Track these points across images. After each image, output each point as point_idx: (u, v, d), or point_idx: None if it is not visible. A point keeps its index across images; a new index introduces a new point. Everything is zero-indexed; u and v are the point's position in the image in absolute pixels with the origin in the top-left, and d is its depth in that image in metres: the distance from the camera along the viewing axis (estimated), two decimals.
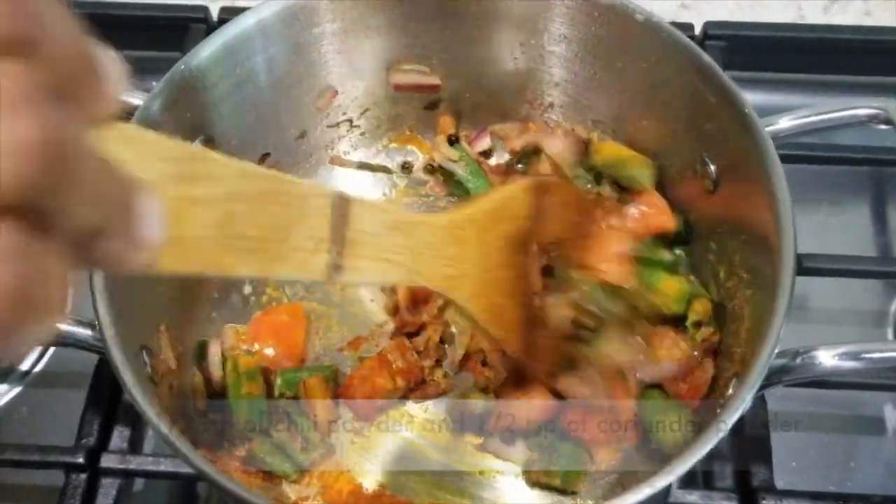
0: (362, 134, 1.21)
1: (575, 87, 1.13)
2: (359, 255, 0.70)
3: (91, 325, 0.90)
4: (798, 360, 0.85)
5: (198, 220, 0.54)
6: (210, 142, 1.05)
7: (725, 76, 0.96)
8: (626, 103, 1.10)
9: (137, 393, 0.81)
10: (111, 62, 0.43)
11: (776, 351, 0.82)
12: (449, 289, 0.85)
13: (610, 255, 1.02)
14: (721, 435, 0.78)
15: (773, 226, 0.88)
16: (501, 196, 0.94)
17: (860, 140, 1.26)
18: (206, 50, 1.00)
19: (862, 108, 0.98)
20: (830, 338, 0.89)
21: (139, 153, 0.49)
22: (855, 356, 0.86)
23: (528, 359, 0.97)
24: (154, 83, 0.99)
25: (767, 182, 0.89)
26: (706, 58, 0.97)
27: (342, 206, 0.67)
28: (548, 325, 0.99)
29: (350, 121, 1.19)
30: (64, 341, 0.92)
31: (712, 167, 1.01)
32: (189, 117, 1.01)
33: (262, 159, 1.13)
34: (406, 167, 1.22)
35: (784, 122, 0.99)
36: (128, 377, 0.82)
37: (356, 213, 0.68)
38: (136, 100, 0.99)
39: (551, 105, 1.17)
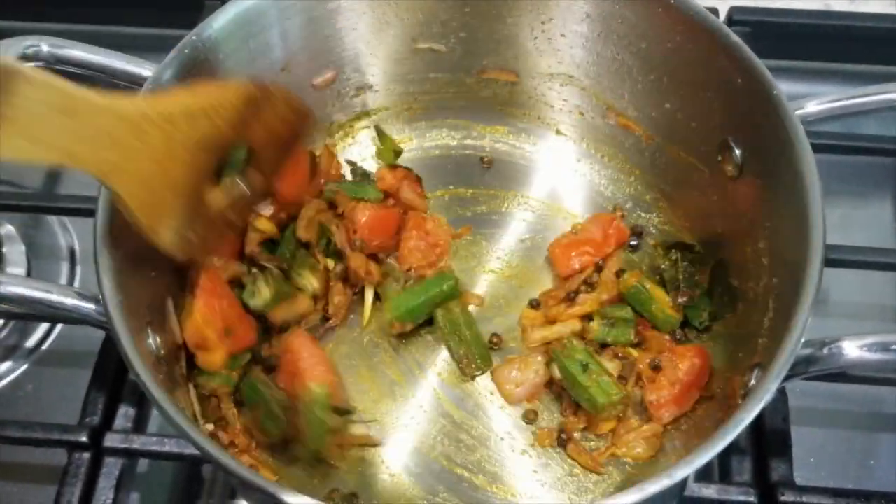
0: (377, 111, 1.19)
1: (597, 68, 1.10)
2: (8, 133, 0.66)
3: (95, 300, 0.88)
4: (824, 351, 0.83)
5: None
6: None
7: (754, 57, 0.93)
8: (650, 85, 1.07)
9: (141, 369, 0.79)
10: None
11: (802, 341, 0.80)
12: (106, 175, 0.80)
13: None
14: (743, 426, 0.76)
15: (802, 212, 0.85)
16: (207, 98, 0.87)
17: (885, 130, 1.24)
18: (219, 21, 0.98)
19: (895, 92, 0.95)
20: (851, 331, 0.87)
21: None
22: (882, 348, 0.84)
23: (178, 251, 0.91)
24: None
25: (796, 167, 0.87)
26: (734, 37, 0.95)
27: (2, 78, 0.63)
28: (217, 223, 0.95)
29: (364, 99, 1.18)
30: (69, 316, 0.90)
31: (737, 151, 0.98)
32: None
33: None
34: None
35: (812, 107, 0.96)
36: (131, 352, 0.80)
37: (19, 88, 0.64)
38: (146, 71, 0.97)
39: (572, 87, 1.15)
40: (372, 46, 1.12)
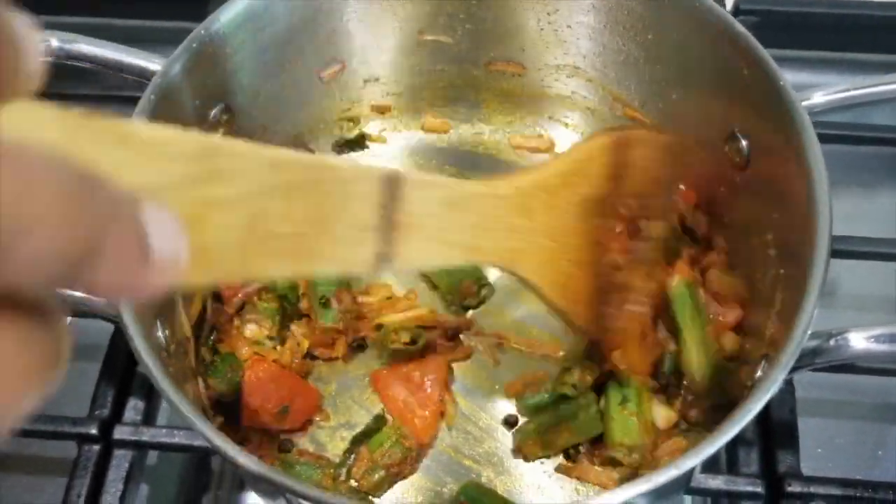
0: (385, 106, 1.20)
1: (603, 59, 1.10)
2: (411, 239, 0.63)
3: None
4: (831, 342, 0.83)
5: (221, 225, 0.46)
6: (229, 111, 1.03)
7: (760, 47, 0.93)
8: (656, 76, 1.06)
9: (151, 362, 0.79)
10: (25, 29, 0.36)
11: (809, 332, 0.79)
12: (512, 263, 0.79)
13: None
14: (750, 417, 0.76)
15: (808, 203, 0.85)
16: (575, 158, 0.86)
17: (894, 120, 1.23)
18: (227, 14, 0.98)
19: None
20: (858, 322, 0.86)
21: (141, 153, 0.41)
22: (890, 339, 0.83)
23: (597, 333, 0.91)
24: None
25: (802, 158, 0.86)
26: (739, 27, 0.94)
27: (392, 186, 0.59)
28: (627, 294, 0.91)
29: (371, 94, 1.18)
30: (78, 309, 0.90)
31: (744, 143, 0.98)
32: (209, 84, 0.99)
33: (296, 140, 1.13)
34: None
35: (818, 97, 0.95)
36: (141, 346, 0.80)
37: (408, 194, 0.61)
38: (155, 65, 0.97)
39: (578, 79, 1.14)
40: (378, 38, 1.12)
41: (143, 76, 0.98)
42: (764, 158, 0.96)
